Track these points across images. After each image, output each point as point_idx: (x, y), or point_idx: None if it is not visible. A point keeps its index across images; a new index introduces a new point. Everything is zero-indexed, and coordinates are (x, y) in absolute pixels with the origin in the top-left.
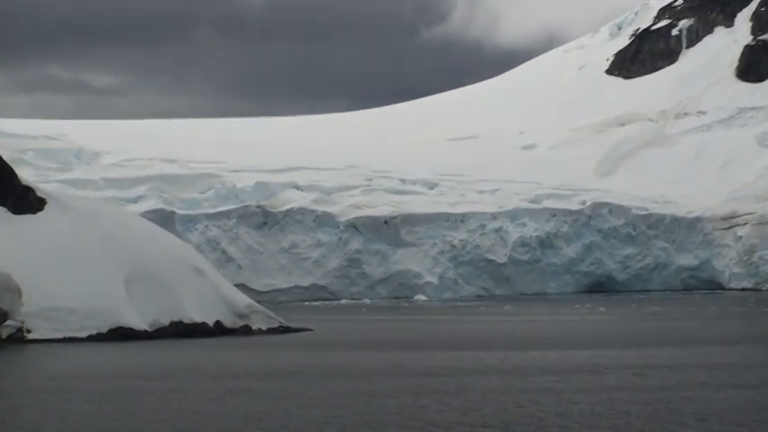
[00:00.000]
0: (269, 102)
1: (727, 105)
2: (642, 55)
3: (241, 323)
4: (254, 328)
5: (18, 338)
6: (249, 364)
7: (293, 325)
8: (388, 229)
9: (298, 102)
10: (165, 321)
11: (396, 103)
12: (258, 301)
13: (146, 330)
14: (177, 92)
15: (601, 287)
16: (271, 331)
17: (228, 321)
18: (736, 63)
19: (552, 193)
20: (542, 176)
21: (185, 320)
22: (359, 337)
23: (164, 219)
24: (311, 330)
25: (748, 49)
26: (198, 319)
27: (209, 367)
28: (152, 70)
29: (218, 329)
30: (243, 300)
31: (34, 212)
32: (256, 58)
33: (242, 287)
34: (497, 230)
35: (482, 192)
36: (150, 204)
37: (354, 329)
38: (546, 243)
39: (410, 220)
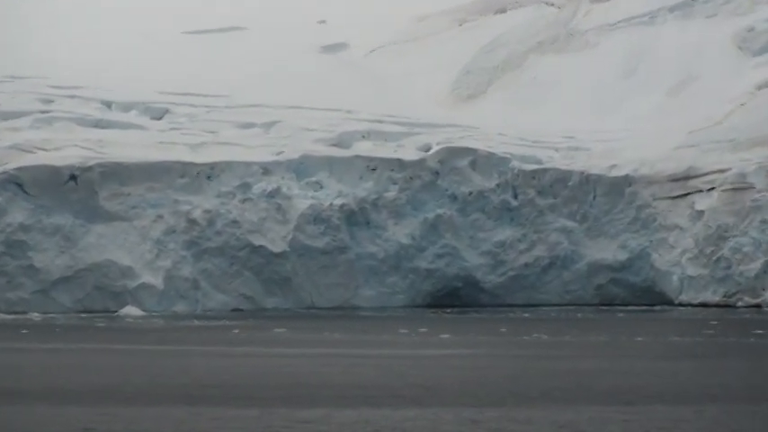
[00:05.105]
0: None
1: None
2: None
3: None
4: None
5: None
6: None
7: None
8: (76, 190)
9: None
10: None
11: None
12: None
13: None
14: None
15: (454, 297)
16: None
17: None
18: None
19: (372, 129)
20: (356, 100)
21: None
22: None
23: None
24: None
25: None
26: None
27: None
28: None
29: None
30: None
31: None
32: None
33: None
34: (272, 195)
35: (247, 126)
36: None
37: None
38: (358, 219)
39: (117, 173)
